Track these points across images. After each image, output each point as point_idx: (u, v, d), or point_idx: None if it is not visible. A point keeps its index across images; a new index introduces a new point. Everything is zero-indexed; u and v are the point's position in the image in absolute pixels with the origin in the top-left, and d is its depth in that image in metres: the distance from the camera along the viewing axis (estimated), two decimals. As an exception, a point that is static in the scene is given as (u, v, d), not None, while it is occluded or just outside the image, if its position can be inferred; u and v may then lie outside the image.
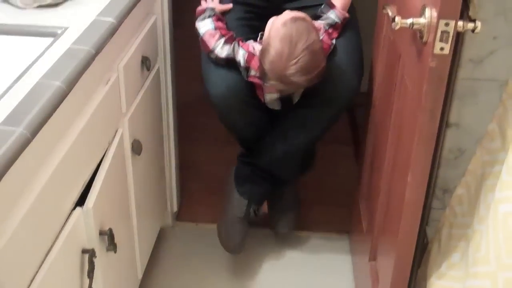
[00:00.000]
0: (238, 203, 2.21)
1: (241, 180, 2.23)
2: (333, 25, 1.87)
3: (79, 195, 1.38)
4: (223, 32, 1.87)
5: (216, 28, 1.86)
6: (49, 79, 1.23)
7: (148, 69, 1.84)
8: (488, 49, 1.41)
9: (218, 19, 1.90)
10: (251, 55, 1.82)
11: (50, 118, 1.16)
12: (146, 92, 1.85)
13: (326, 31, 1.86)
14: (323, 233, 2.41)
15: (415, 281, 1.58)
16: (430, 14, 1.20)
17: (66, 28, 1.47)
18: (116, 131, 1.62)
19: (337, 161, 2.78)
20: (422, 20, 1.23)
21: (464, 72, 1.44)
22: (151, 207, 2.04)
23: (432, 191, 1.61)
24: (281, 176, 2.23)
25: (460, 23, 1.18)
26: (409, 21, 1.26)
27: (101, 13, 1.55)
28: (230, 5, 1.96)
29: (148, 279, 2.13)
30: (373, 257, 1.85)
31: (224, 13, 1.96)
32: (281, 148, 2.07)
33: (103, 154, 1.53)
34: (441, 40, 1.18)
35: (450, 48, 1.19)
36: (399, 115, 1.55)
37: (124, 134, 1.67)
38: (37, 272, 1.16)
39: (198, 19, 1.91)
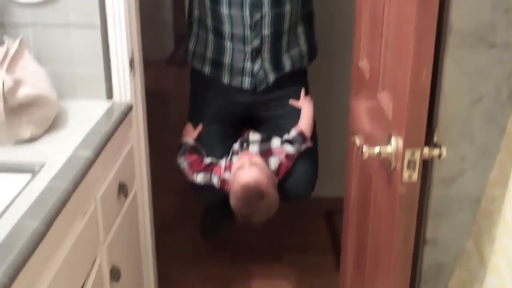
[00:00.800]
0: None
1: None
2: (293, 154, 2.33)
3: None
4: (195, 166, 2.35)
5: (189, 165, 2.35)
6: (28, 220, 1.24)
7: (126, 196, 1.85)
8: (457, 170, 1.45)
9: (191, 153, 2.36)
10: (223, 182, 2.31)
11: (28, 261, 1.16)
12: (123, 217, 1.86)
13: (286, 156, 2.31)
14: None
15: None
16: (396, 143, 1.24)
17: (43, 164, 1.50)
18: (95, 260, 1.62)
19: (318, 270, 2.76)
20: (388, 150, 1.27)
21: (436, 191, 1.47)
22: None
23: (415, 308, 1.60)
24: None
25: (426, 150, 1.22)
26: (376, 150, 1.30)
27: (78, 147, 1.58)
28: (197, 132, 2.42)
29: None
30: None
31: (202, 133, 2.41)
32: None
33: (82, 284, 1.52)
34: (408, 168, 1.22)
35: (418, 175, 1.23)
36: (375, 233, 1.57)
37: (102, 262, 1.66)
38: None
39: (178, 154, 2.38)
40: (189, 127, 2.44)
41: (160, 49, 4.86)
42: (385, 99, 1.39)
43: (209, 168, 2.34)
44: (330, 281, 2.63)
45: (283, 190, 2.33)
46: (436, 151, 1.25)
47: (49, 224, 1.26)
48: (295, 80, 2.41)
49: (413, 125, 1.19)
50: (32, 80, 1.62)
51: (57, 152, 1.56)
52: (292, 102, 2.38)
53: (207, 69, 2.35)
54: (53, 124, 1.72)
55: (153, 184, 2.21)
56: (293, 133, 2.32)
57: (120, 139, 1.83)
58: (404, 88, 1.19)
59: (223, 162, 2.34)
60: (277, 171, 2.31)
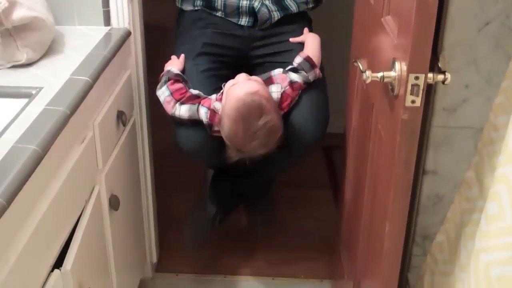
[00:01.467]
0: (208, 209, 2.25)
1: (214, 191, 2.27)
2: (299, 82, 1.88)
3: (56, 257, 1.36)
4: (179, 95, 1.85)
5: (171, 93, 1.85)
6: (24, 143, 1.22)
7: (124, 124, 1.84)
8: (460, 98, 1.43)
9: (175, 82, 1.88)
10: (212, 113, 1.81)
11: (26, 184, 1.15)
12: (122, 146, 1.84)
13: (291, 84, 1.85)
14: (304, 279, 2.39)
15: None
16: (400, 67, 1.22)
17: (40, 88, 1.47)
18: (93, 188, 1.61)
19: (316, 205, 2.78)
20: (392, 74, 1.25)
21: (438, 120, 1.46)
22: (130, 260, 2.02)
23: (412, 238, 1.61)
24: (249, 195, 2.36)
25: (430, 75, 1.20)
26: (380, 74, 1.27)
27: (76, 72, 1.56)
28: (181, 59, 1.98)
29: (129, 334, 2.09)
30: (355, 304, 1.84)
31: (188, 68, 1.96)
32: (247, 181, 2.20)
33: (80, 213, 1.52)
34: (411, 93, 1.20)
35: (421, 100, 1.20)
36: (375, 163, 1.56)
37: (101, 191, 1.66)
38: None
39: (157, 87, 1.90)
40: (173, 57, 2.02)
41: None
42: (390, 23, 1.36)
43: (195, 100, 1.85)
44: (328, 215, 2.65)
45: (286, 132, 1.84)
46: (440, 77, 1.22)
47: (46, 148, 1.25)
48: (298, 20, 2.12)
49: (418, 49, 1.16)
50: (28, 2, 1.59)
51: (54, 77, 1.54)
52: (294, 39, 2.05)
53: (198, 2, 2.08)
54: (50, 49, 1.69)
55: (153, 117, 2.17)
56: (298, 59, 1.91)
57: (118, 65, 1.80)
58: (410, 10, 1.15)
59: (213, 96, 1.86)
60: (280, 103, 1.85)
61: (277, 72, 1.89)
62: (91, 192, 1.60)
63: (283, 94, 1.84)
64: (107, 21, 1.86)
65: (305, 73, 1.87)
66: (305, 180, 2.94)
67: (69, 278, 1.36)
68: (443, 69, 1.25)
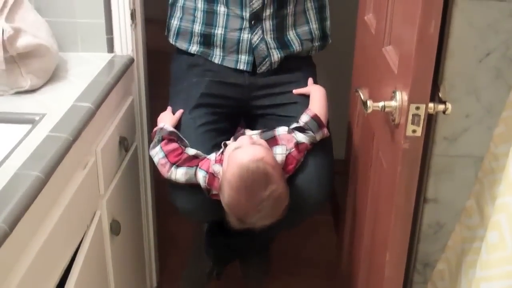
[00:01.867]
0: (203, 262, 2.08)
1: (209, 245, 2.06)
2: (305, 143, 1.73)
3: (58, 281, 1.36)
4: (174, 157, 1.70)
5: (166, 155, 1.70)
6: (27, 169, 1.23)
7: (126, 150, 1.84)
8: (461, 127, 1.44)
9: (169, 141, 1.72)
10: (211, 177, 1.66)
11: (28, 210, 1.16)
12: (123, 172, 1.85)
13: (296, 146, 1.70)
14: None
15: None
16: (401, 97, 1.23)
17: (44, 115, 1.48)
18: (94, 213, 1.62)
19: (316, 231, 2.77)
20: (393, 104, 1.26)
21: (439, 149, 1.46)
22: (130, 284, 2.02)
23: (413, 266, 1.61)
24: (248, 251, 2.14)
25: (431, 105, 1.21)
26: (381, 104, 1.28)
27: (79, 98, 1.57)
28: (177, 115, 1.82)
29: None
30: (356, 332, 1.83)
31: (184, 122, 1.82)
32: (246, 239, 1.90)
33: (81, 238, 1.52)
34: (412, 123, 1.21)
35: (422, 130, 1.22)
36: (375, 191, 1.57)
37: (102, 216, 1.66)
38: None
39: (150, 146, 1.76)
40: (168, 111, 1.86)
41: (161, 8, 4.81)
42: (391, 53, 1.37)
43: (193, 161, 1.70)
44: (329, 241, 2.65)
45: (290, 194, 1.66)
46: (441, 107, 1.23)
47: (49, 174, 1.26)
48: (302, 66, 1.96)
49: (419, 79, 1.17)
50: (32, 29, 1.60)
51: (57, 103, 1.55)
52: (298, 90, 1.89)
53: (194, 48, 1.92)
54: (54, 75, 1.71)
55: None
56: (304, 118, 1.75)
57: (121, 92, 1.82)
58: (411, 40, 1.17)
59: (212, 156, 1.71)
60: (284, 166, 1.70)
61: (282, 131, 1.74)
62: (93, 217, 1.60)
63: (288, 156, 1.69)
64: (110, 48, 1.88)
65: (312, 134, 1.73)
66: None
67: (70, 303, 1.36)
68: (443, 99, 1.26)
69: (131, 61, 1.87)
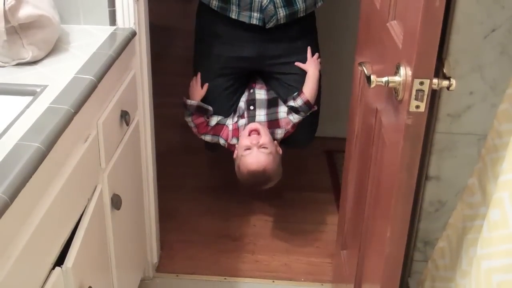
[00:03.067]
0: None
1: None
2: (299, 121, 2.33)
3: (58, 255, 1.36)
4: (202, 129, 2.34)
5: (196, 126, 2.34)
6: (28, 140, 1.22)
7: (127, 124, 1.83)
8: (465, 104, 1.43)
9: (198, 114, 2.32)
10: (229, 145, 2.33)
11: (29, 181, 1.15)
12: (125, 146, 1.85)
13: (293, 125, 2.32)
14: (305, 282, 2.39)
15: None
16: (405, 72, 1.22)
17: (45, 87, 1.47)
18: (95, 187, 1.61)
19: (317, 208, 2.78)
20: (397, 79, 1.25)
21: (442, 126, 1.46)
22: (131, 259, 2.03)
23: (414, 243, 1.61)
24: None
25: (435, 81, 1.20)
26: (384, 79, 1.27)
27: (80, 71, 1.56)
28: (204, 90, 2.34)
29: (128, 334, 2.09)
30: (355, 309, 1.84)
31: (209, 87, 2.35)
32: None
33: (82, 211, 1.52)
34: (416, 99, 1.20)
35: (426, 106, 1.20)
36: (377, 168, 1.56)
37: (104, 190, 1.66)
38: (14, 337, 1.14)
39: (185, 114, 2.35)
40: (196, 84, 2.36)
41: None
42: (395, 27, 1.36)
43: (215, 130, 2.34)
44: (330, 218, 2.65)
45: (283, 143, 2.39)
46: (445, 83, 1.22)
47: (49, 145, 1.25)
48: (305, 32, 2.35)
49: (423, 53, 1.16)
50: (34, 1, 1.59)
51: (59, 75, 1.54)
52: (298, 64, 2.33)
53: (214, 3, 2.24)
54: (55, 47, 1.70)
55: (156, 118, 2.18)
56: (299, 101, 2.29)
57: (123, 65, 1.80)
58: (416, 16, 1.15)
59: (230, 122, 2.34)
60: (283, 134, 2.35)
61: (282, 115, 2.32)
62: (94, 191, 1.60)
63: (285, 133, 2.33)
64: (112, 20, 1.86)
65: (303, 114, 2.32)
66: (307, 183, 2.96)
67: (70, 276, 1.36)
68: (448, 75, 1.25)
69: (133, 34, 1.86)
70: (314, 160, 3.12)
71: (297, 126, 2.35)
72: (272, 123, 2.31)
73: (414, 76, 1.18)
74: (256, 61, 2.34)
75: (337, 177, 3.00)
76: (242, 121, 2.31)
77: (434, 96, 1.41)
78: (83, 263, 1.44)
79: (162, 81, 2.35)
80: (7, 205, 1.06)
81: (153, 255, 2.34)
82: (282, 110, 2.32)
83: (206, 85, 2.35)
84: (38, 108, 1.37)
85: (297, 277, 2.41)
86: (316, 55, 2.35)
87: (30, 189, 1.16)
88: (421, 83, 1.18)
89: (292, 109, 2.31)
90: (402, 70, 1.23)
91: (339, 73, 2.67)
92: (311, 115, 2.38)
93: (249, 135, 2.24)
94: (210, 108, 2.34)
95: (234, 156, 2.30)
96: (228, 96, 2.37)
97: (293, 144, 2.48)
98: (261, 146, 2.19)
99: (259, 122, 2.28)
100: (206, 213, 2.72)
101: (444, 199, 1.54)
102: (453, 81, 1.23)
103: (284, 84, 2.36)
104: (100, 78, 1.57)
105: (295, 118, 2.31)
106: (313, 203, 2.81)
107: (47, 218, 1.26)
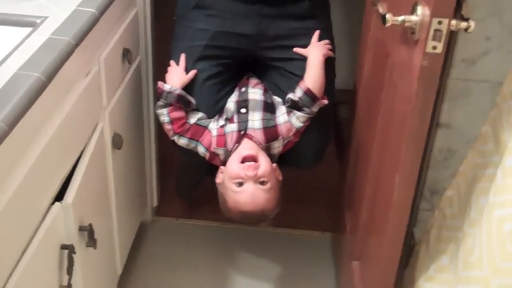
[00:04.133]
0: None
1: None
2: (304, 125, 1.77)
3: (58, 190, 1.33)
4: (178, 127, 1.75)
5: (171, 122, 1.74)
6: (28, 70, 1.18)
7: (130, 62, 1.79)
8: (481, 50, 1.38)
9: (177, 107, 1.73)
10: (212, 155, 1.76)
11: (28, 111, 1.11)
12: (127, 85, 1.80)
13: (295, 132, 1.77)
14: (304, 231, 2.38)
15: (402, 283, 1.55)
16: (423, 12, 1.17)
17: (45, 18, 1.42)
18: (96, 125, 1.58)
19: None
20: (414, 18, 1.19)
21: (456, 72, 1.41)
22: (131, 202, 2.01)
23: (420, 192, 1.58)
24: None
25: (454, 22, 1.15)
26: (400, 18, 1.22)
27: (82, 3, 1.50)
28: (190, 75, 1.77)
29: (127, 275, 2.09)
30: (357, 257, 1.82)
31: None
32: None
33: (82, 148, 1.48)
34: (433, 39, 1.15)
35: (443, 47, 1.16)
36: (387, 115, 1.52)
37: (105, 128, 1.63)
38: (14, 268, 1.12)
39: (157, 105, 1.76)
40: (179, 69, 1.78)
41: None
42: (414, -36, 1.29)
43: (194, 132, 1.75)
44: (331, 169, 2.62)
45: (283, 161, 1.80)
46: (463, 24, 1.17)
47: (50, 76, 1.21)
48: (316, 11, 1.84)
49: (443, -9, 1.10)
50: None
51: (59, 7, 1.48)
52: (297, 50, 1.80)
53: None
54: (57, -21, 1.63)
55: (160, 64, 2.01)
56: (298, 92, 1.74)
57: (126, 1, 1.74)
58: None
59: (213, 126, 1.75)
60: (283, 147, 1.80)
61: (282, 119, 1.75)
62: (95, 129, 1.56)
63: (287, 143, 1.78)
64: (116, -46, 1.79)
65: (308, 109, 1.74)
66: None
67: (70, 211, 1.33)
68: (466, 17, 1.20)
69: (138, -31, 1.80)
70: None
71: (301, 137, 1.80)
72: (269, 131, 1.73)
73: (433, 15, 1.13)
74: (253, 42, 1.80)
75: (340, 129, 2.94)
76: (231, 127, 1.73)
77: (450, 40, 1.36)
78: (83, 200, 1.42)
79: (170, 27, 2.23)
80: (5, 134, 1.03)
81: (153, 199, 2.33)
82: (281, 112, 1.77)
83: (193, 71, 1.77)
84: (38, 39, 1.32)
85: (297, 225, 2.39)
86: (325, 41, 1.82)
87: (29, 120, 1.13)
88: (439, 23, 1.13)
89: (292, 105, 1.75)
90: (419, 9, 1.18)
91: (340, 20, 2.54)
92: (322, 119, 1.81)
93: (242, 161, 1.67)
94: (194, 101, 1.76)
95: (217, 181, 1.73)
96: (212, 88, 1.79)
97: (294, 161, 1.86)
98: (259, 179, 1.65)
99: (253, 131, 1.72)
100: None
101: (454, 148, 1.50)
102: (471, 23, 1.17)
103: (287, 74, 1.83)
104: (102, 11, 1.52)
105: (298, 119, 1.74)
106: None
107: (46, 152, 1.23)
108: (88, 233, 1.43)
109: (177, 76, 1.76)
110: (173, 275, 2.16)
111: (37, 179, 1.20)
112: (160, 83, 1.73)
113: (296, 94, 1.74)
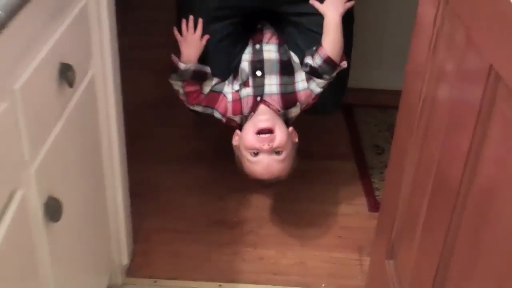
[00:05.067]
0: None
1: None
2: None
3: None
4: (193, 100, 1.82)
5: (186, 94, 1.81)
6: None
7: (71, 85, 1.19)
8: None
9: (192, 82, 1.79)
10: (229, 120, 1.83)
11: None
12: (69, 120, 1.22)
13: (315, 96, 1.82)
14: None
15: None
16: None
17: None
18: (12, 193, 1.01)
19: (336, 181, 2.27)
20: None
21: None
22: (87, 268, 1.50)
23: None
24: None
25: None
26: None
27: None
28: (204, 41, 1.78)
29: None
30: None
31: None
32: None
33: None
34: None
35: None
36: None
37: (29, 195, 1.07)
38: None
39: (171, 76, 1.80)
40: (188, 33, 1.77)
41: None
42: None
43: (209, 100, 1.82)
44: (353, 194, 2.14)
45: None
46: None
47: None
48: None
49: None
50: None
51: None
52: (313, 2, 1.77)
53: None
54: None
55: (126, 64, 1.61)
56: (317, 60, 1.76)
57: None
58: None
59: (228, 90, 1.80)
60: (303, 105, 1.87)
61: (302, 86, 1.80)
62: (8, 200, 1.00)
63: (305, 106, 1.85)
64: None
65: (328, 76, 1.80)
66: (321, 148, 2.45)
67: None
68: None
69: None
70: (328, 117, 2.48)
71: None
72: (287, 98, 1.79)
73: None
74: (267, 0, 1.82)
75: (358, 139, 2.47)
76: (246, 91, 1.78)
77: None
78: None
79: (136, 17, 1.75)
80: None
81: (122, 255, 1.78)
82: (301, 78, 1.81)
83: (206, 37, 1.77)
84: None
85: (315, 282, 1.87)
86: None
87: None
88: None
89: (311, 71, 1.79)
90: None
91: (361, 11, 2.09)
92: (339, 75, 1.86)
93: (258, 133, 1.72)
94: (209, 70, 1.80)
95: (234, 143, 1.80)
96: (225, 49, 1.80)
97: (313, 111, 1.93)
98: (274, 150, 1.72)
99: (270, 96, 1.77)
100: (193, 191, 2.18)
101: None
102: None
103: (305, 30, 1.81)
104: (14, 12, 0.94)
105: (318, 85, 1.80)
106: (330, 173, 2.29)
107: None
108: None
109: (193, 46, 1.78)
110: None
111: None
112: (174, 59, 1.77)
113: (316, 62, 1.77)
